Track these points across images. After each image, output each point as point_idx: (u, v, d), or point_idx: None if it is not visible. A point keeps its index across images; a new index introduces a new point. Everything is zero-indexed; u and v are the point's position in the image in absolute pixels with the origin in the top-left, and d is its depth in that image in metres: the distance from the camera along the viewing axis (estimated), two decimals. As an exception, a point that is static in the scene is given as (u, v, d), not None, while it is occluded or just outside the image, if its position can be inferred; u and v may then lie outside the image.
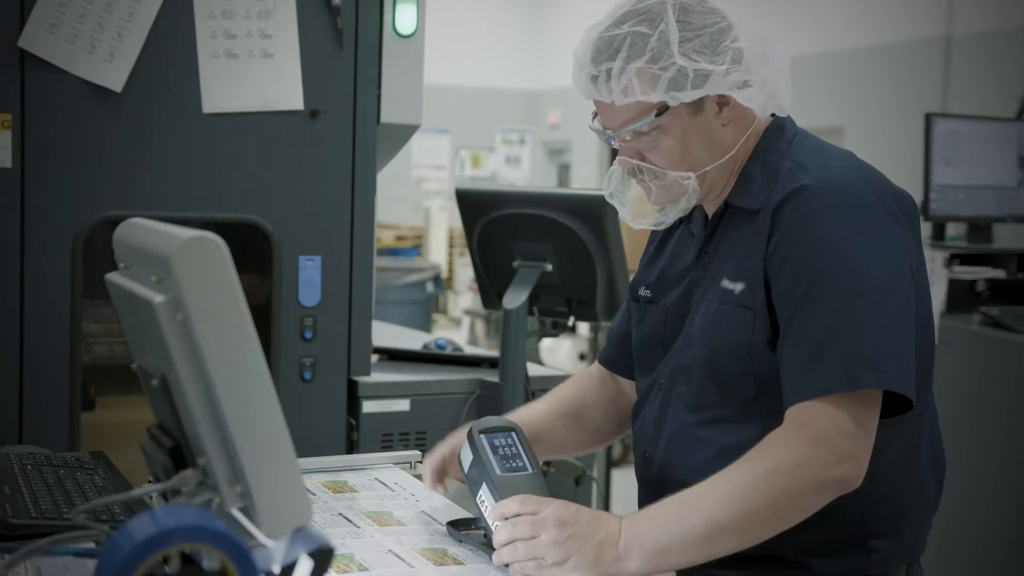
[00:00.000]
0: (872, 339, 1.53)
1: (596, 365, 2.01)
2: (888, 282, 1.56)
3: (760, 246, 1.62)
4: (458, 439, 1.78)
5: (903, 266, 1.59)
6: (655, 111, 1.62)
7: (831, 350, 1.53)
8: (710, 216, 1.76)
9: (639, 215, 1.77)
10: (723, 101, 1.65)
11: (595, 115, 1.72)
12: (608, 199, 1.79)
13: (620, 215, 1.80)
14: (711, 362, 1.66)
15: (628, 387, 1.94)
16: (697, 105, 1.64)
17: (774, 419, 1.58)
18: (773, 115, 1.74)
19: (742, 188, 1.70)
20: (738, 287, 1.64)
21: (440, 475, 1.83)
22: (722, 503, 1.50)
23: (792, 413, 1.55)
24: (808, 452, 1.50)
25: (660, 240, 1.87)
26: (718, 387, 1.66)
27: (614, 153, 1.75)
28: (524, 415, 1.89)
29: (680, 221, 1.81)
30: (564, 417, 1.92)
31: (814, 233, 1.57)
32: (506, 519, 1.54)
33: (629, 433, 1.90)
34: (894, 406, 1.57)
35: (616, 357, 1.95)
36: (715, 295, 1.68)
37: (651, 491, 1.75)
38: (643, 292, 1.84)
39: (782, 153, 1.69)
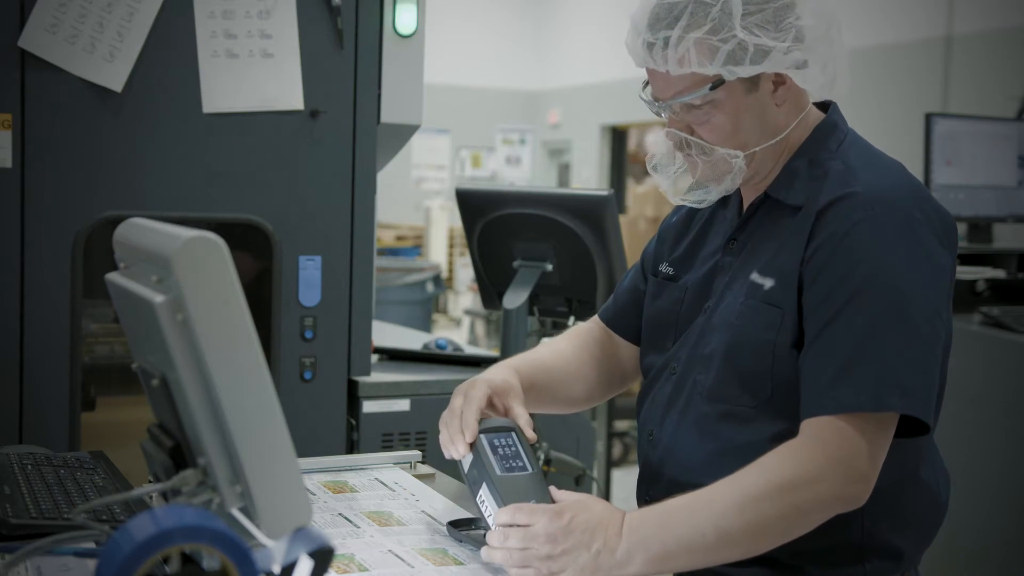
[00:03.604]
0: (904, 362, 1.50)
1: (594, 324, 1.95)
2: (927, 303, 1.53)
3: (798, 246, 1.59)
4: (474, 392, 1.70)
5: (943, 287, 1.56)
6: (710, 84, 1.58)
7: (861, 368, 1.50)
8: (746, 203, 1.72)
9: (680, 191, 1.74)
10: (779, 80, 1.61)
11: (646, 84, 1.68)
12: (651, 172, 1.75)
13: (661, 188, 1.76)
14: (730, 354, 1.62)
15: (626, 351, 1.90)
16: (753, 82, 1.60)
17: (785, 423, 1.56)
18: (825, 109, 1.71)
19: (785, 182, 1.66)
20: (768, 283, 1.61)
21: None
22: (734, 512, 1.47)
23: (811, 426, 1.52)
24: (825, 470, 1.48)
25: (687, 216, 1.83)
26: (736, 381, 1.62)
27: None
28: (521, 362, 1.83)
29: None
30: (559, 372, 1.87)
31: (857, 245, 1.53)
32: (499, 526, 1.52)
33: (633, 427, 1.88)
34: (906, 427, 1.55)
35: (619, 317, 1.91)
36: (742, 286, 1.64)
37: (650, 472, 1.73)
38: (664, 268, 1.80)
39: (831, 152, 1.65)
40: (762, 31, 1.56)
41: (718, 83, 1.58)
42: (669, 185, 1.75)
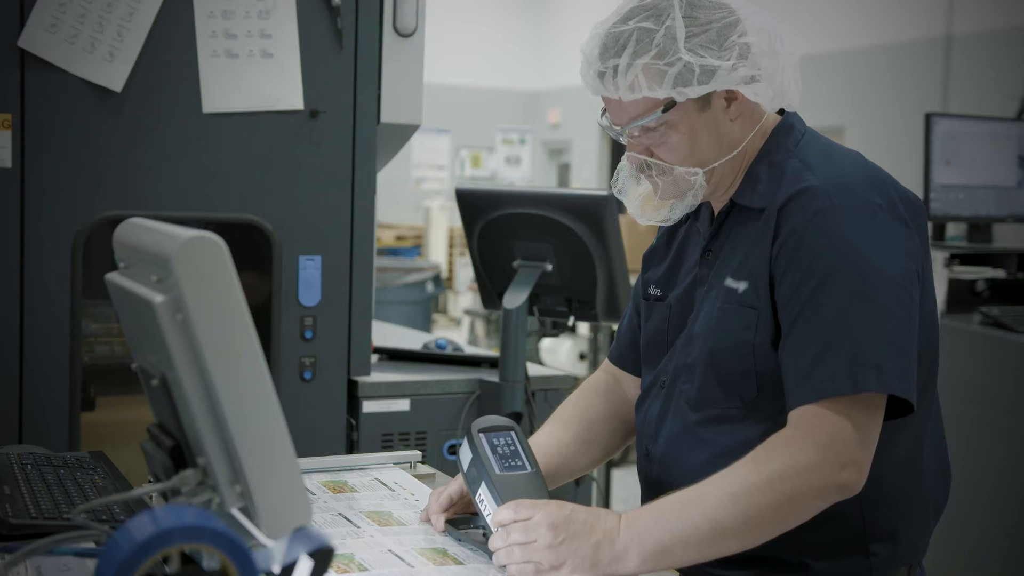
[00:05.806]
0: (875, 342, 1.53)
1: (600, 374, 1.99)
2: (892, 284, 1.55)
3: (765, 246, 1.62)
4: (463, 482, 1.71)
5: (909, 268, 1.58)
6: (662, 107, 1.62)
7: (834, 353, 1.52)
8: (716, 214, 1.76)
9: (646, 211, 1.77)
10: (731, 96, 1.65)
11: (604, 111, 1.72)
12: (616, 195, 1.79)
13: (628, 211, 1.80)
14: (713, 360, 1.65)
15: (633, 390, 1.92)
16: (705, 100, 1.63)
17: (776, 421, 1.57)
18: (783, 113, 1.74)
19: (748, 187, 1.69)
20: (741, 286, 1.64)
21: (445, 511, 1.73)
22: (726, 504, 1.49)
23: (795, 416, 1.54)
24: (813, 457, 1.50)
25: (667, 237, 1.87)
26: (720, 386, 1.65)
27: (615, 153, 1.76)
28: (536, 449, 1.81)
29: (687, 218, 1.81)
30: (574, 444, 1.88)
31: (819, 234, 1.57)
32: (501, 527, 1.53)
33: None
34: (896, 408, 1.57)
35: (625, 354, 1.94)
36: (719, 293, 1.67)
37: (652, 488, 1.75)
38: (653, 291, 1.84)
39: (789, 152, 1.68)
40: (707, 51, 1.60)
41: (670, 105, 1.62)
42: (634, 207, 1.78)
